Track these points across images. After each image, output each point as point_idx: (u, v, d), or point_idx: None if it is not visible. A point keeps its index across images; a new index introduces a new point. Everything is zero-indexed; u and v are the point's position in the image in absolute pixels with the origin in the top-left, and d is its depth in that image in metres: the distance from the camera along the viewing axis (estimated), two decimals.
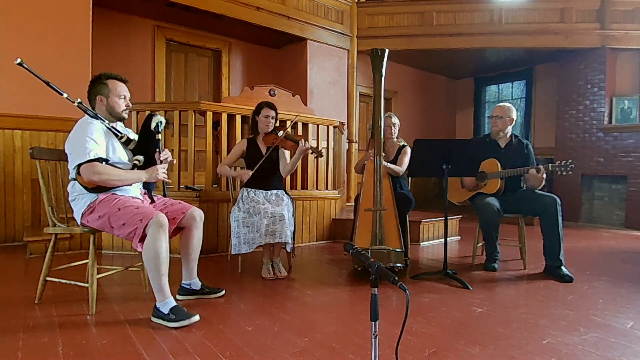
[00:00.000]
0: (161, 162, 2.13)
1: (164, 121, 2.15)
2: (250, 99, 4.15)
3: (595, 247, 4.31)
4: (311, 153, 2.96)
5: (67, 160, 2.33)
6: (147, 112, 2.35)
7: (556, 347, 1.78)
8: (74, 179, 2.05)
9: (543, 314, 2.18)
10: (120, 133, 2.10)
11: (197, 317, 1.97)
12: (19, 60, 1.96)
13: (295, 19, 5.68)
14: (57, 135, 3.93)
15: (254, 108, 3.11)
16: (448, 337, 1.86)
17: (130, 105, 2.19)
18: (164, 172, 2.10)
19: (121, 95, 2.13)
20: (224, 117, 3.70)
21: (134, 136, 2.21)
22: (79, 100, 2.05)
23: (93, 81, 2.13)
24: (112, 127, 2.09)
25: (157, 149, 2.13)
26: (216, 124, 3.78)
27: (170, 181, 2.19)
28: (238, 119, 3.76)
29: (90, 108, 2.09)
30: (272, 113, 3.01)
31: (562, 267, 2.91)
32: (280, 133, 2.98)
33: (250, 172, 2.90)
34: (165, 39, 5.58)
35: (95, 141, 1.98)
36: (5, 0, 3.73)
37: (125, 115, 2.18)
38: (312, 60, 5.96)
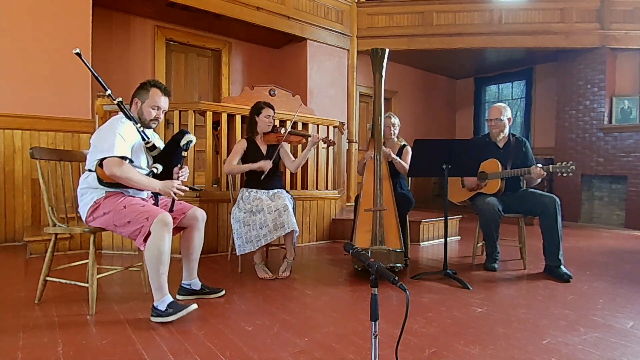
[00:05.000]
0: (178, 177, 2.15)
1: (194, 140, 2.18)
2: (250, 99, 4.13)
3: (595, 247, 4.30)
4: (324, 143, 2.97)
5: (67, 160, 2.35)
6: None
7: (556, 347, 1.78)
8: (91, 171, 2.06)
9: (543, 314, 2.18)
10: (148, 138, 2.13)
11: (194, 306, 1.99)
12: (77, 50, 2.02)
13: (295, 19, 5.68)
14: (57, 135, 3.93)
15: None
16: (448, 337, 1.86)
17: (161, 118, 2.22)
18: (178, 189, 2.11)
19: (155, 106, 2.17)
20: (224, 117, 3.70)
21: (159, 144, 2.23)
22: (120, 99, 2.08)
23: (141, 84, 2.19)
24: (142, 131, 2.12)
25: (179, 164, 2.16)
26: (216, 124, 3.78)
27: (177, 199, 2.19)
28: (238, 119, 3.75)
29: (128, 109, 2.13)
30: (272, 112, 3.02)
31: (562, 267, 2.91)
32: (283, 130, 3.00)
33: (271, 162, 2.91)
34: (165, 39, 5.58)
35: (124, 139, 2.02)
36: (5, 0, 3.73)
37: (153, 125, 2.21)
38: (312, 60, 5.96)
